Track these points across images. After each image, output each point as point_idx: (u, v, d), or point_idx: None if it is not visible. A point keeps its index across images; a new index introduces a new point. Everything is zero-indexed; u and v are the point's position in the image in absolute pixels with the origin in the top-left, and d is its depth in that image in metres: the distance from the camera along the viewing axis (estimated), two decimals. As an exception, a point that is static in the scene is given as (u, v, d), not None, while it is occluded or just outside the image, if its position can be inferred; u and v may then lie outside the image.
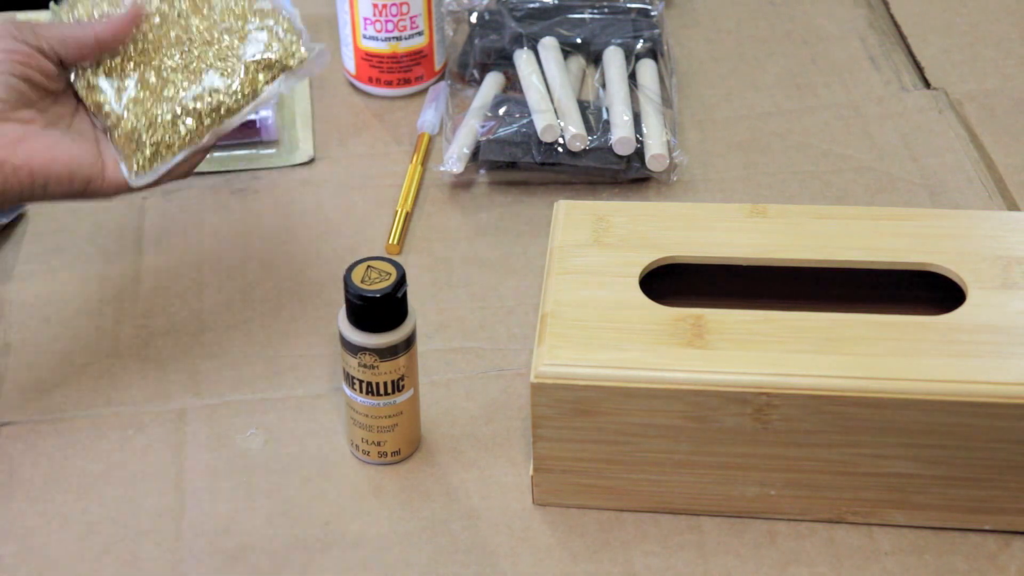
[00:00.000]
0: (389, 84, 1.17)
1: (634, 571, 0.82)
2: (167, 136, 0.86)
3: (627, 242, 0.88)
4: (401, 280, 0.82)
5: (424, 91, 1.18)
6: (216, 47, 0.87)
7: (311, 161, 1.12)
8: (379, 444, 0.87)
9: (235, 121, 0.87)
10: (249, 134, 1.12)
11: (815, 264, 0.87)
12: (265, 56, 0.87)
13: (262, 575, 0.83)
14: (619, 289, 0.84)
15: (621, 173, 1.07)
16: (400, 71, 1.17)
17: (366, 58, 1.16)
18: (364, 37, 1.15)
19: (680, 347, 0.81)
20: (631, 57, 1.15)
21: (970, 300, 0.83)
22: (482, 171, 1.10)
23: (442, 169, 1.08)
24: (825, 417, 0.79)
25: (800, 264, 0.87)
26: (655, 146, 1.07)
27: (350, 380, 0.85)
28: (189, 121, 0.86)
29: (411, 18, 1.14)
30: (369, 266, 0.83)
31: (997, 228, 0.88)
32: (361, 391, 0.85)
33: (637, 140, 1.07)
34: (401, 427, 0.87)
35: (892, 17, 1.26)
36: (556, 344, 0.81)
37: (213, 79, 0.87)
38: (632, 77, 1.14)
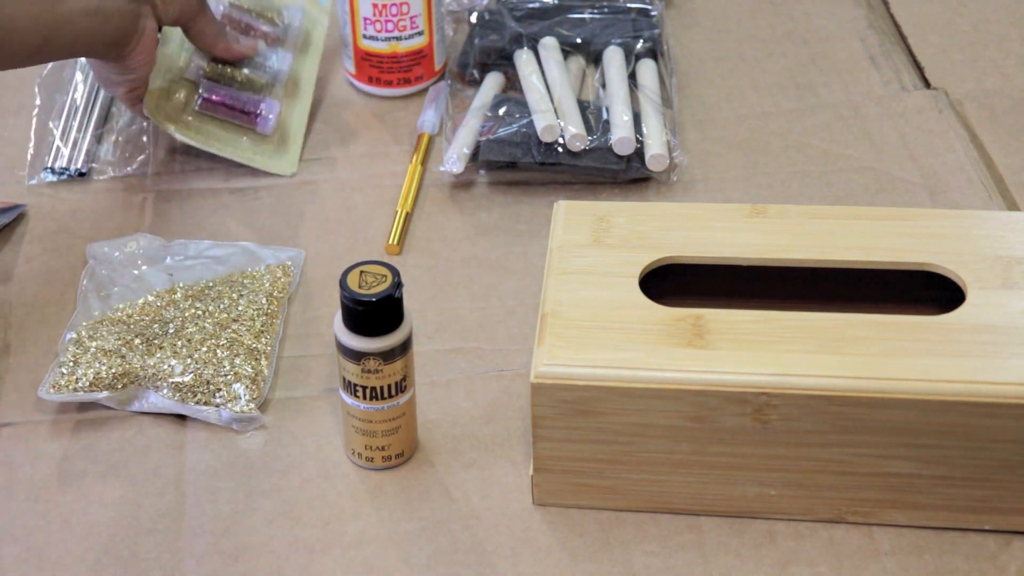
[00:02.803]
0: (389, 84, 1.17)
1: (634, 571, 0.82)
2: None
3: (627, 242, 0.88)
4: (397, 281, 0.82)
5: (424, 91, 1.18)
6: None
7: (292, 176, 1.11)
8: (383, 449, 0.87)
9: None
10: (245, 119, 1.11)
11: (815, 264, 0.87)
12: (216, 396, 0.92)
13: (262, 575, 0.83)
14: (619, 289, 0.84)
15: (621, 173, 1.07)
16: (400, 71, 1.17)
17: (366, 58, 1.16)
18: (364, 37, 1.15)
19: (680, 347, 0.81)
20: (631, 57, 1.15)
21: (970, 300, 0.83)
22: (482, 171, 1.09)
23: (442, 169, 1.08)
24: (825, 417, 0.79)
25: (800, 264, 0.87)
26: (655, 146, 1.07)
27: (351, 387, 0.85)
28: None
29: (411, 18, 1.14)
30: (363, 271, 0.82)
31: (997, 228, 0.88)
32: (364, 397, 0.85)
33: (637, 140, 1.07)
34: (404, 429, 0.87)
35: (892, 17, 1.26)
36: (556, 344, 0.81)
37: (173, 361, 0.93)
38: (632, 77, 1.14)
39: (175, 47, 1.11)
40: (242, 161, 1.10)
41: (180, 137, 1.08)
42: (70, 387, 0.91)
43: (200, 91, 1.09)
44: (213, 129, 1.10)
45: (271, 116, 1.11)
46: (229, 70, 1.11)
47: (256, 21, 1.15)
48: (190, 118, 1.09)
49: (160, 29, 1.04)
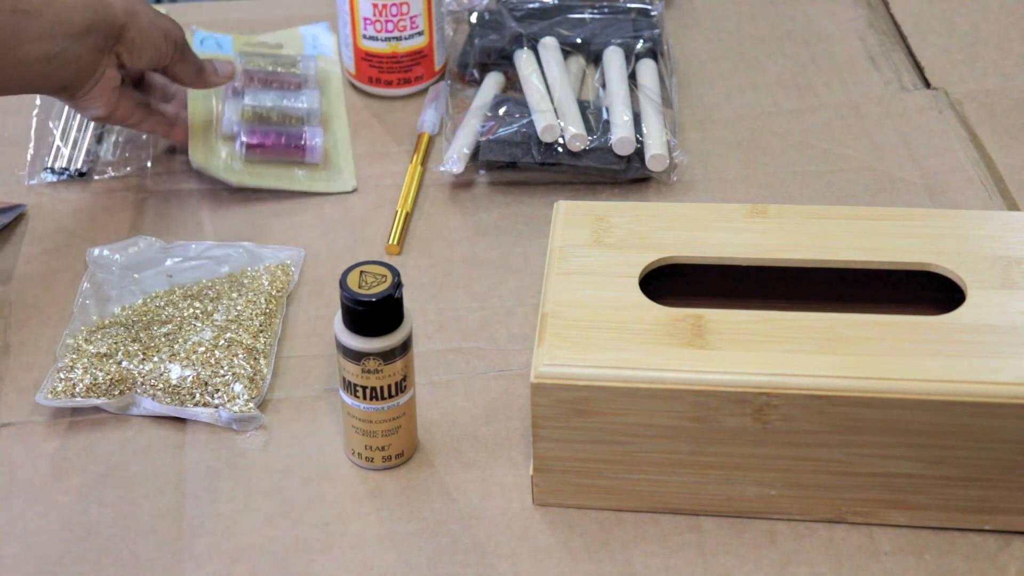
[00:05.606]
0: (389, 84, 1.17)
1: (634, 571, 0.82)
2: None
3: (627, 242, 0.88)
4: (397, 281, 0.82)
5: (424, 91, 1.18)
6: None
7: (354, 191, 1.09)
8: (383, 449, 0.87)
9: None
10: (293, 153, 1.10)
11: (815, 264, 0.87)
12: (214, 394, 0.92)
13: (262, 575, 0.83)
14: (619, 289, 0.84)
15: (621, 173, 1.07)
16: (400, 71, 1.17)
17: (366, 58, 1.16)
18: (364, 37, 1.15)
19: (680, 347, 0.81)
20: (631, 57, 1.15)
21: (970, 300, 0.83)
22: (482, 171, 1.10)
23: (442, 169, 1.08)
24: (825, 417, 0.79)
25: (800, 264, 0.87)
26: (655, 146, 1.07)
27: (351, 388, 0.85)
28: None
29: (411, 18, 1.14)
30: (363, 271, 0.82)
31: (997, 228, 0.88)
32: (364, 397, 0.85)
33: (637, 140, 1.07)
34: (404, 429, 0.87)
35: (892, 17, 1.26)
36: (556, 344, 0.81)
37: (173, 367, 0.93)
38: (632, 77, 1.14)
39: (202, 99, 1.11)
40: (302, 189, 1.09)
41: (234, 181, 1.08)
42: (67, 393, 0.91)
43: (240, 138, 1.09)
44: (263, 169, 1.09)
45: (317, 142, 1.09)
46: (264, 112, 1.11)
47: (273, 74, 1.14)
48: (237, 166, 1.09)
49: (124, 80, 1.03)
